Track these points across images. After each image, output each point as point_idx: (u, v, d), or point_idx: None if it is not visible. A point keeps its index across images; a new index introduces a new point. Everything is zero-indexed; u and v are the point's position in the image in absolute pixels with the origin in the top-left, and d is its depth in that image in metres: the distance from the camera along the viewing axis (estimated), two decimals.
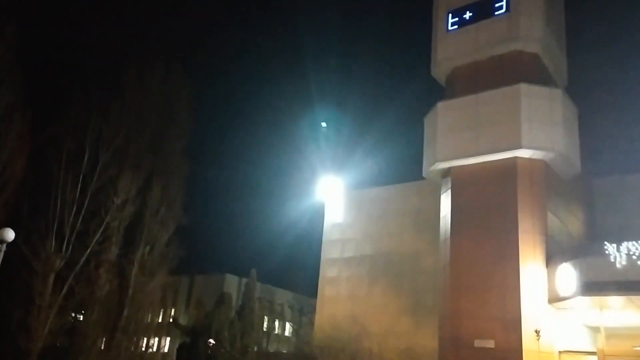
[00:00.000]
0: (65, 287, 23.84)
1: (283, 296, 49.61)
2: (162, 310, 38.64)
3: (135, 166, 26.98)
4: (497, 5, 22.37)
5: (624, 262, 16.31)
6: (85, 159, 24.95)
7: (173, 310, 45.12)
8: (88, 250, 24.48)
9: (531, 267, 19.08)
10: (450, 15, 23.38)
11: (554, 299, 18.36)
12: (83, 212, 24.52)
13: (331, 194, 28.48)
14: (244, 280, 43.25)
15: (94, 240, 24.72)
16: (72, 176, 24.51)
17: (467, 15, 23.03)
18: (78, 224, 24.40)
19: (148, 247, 27.30)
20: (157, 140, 29.25)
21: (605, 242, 17.11)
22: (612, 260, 16.52)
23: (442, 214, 22.27)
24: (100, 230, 25.00)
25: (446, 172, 22.18)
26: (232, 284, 45.55)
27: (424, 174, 23.17)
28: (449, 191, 21.74)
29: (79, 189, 24.64)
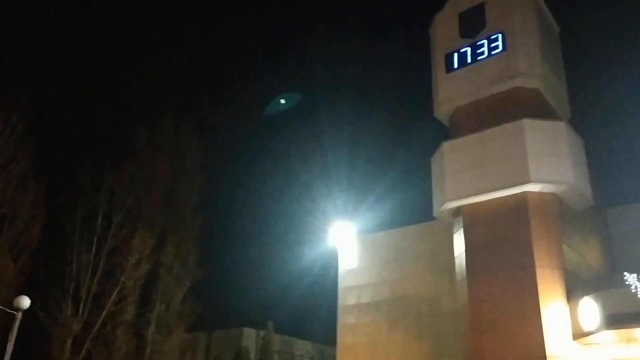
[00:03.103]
0: (83, 351, 23.74)
1: (302, 347, 48.75)
2: None
3: (148, 224, 27.29)
4: (493, 45, 22.85)
5: None
6: (99, 220, 25.34)
7: None
8: (104, 312, 24.53)
9: (552, 302, 18.71)
10: (447, 57, 23.88)
11: (579, 334, 17.91)
12: (98, 273, 24.71)
13: (344, 239, 28.38)
14: (262, 332, 42.72)
15: (110, 301, 24.76)
16: (87, 238, 24.83)
17: (465, 56, 23.52)
18: (94, 286, 24.54)
19: (164, 305, 27.28)
20: (169, 197, 29.68)
21: (625, 273, 16.81)
22: (634, 290, 16.18)
23: (456, 254, 22.09)
24: (116, 291, 25.11)
25: (457, 212, 22.14)
26: (250, 337, 44.87)
27: (434, 215, 23.13)
28: (461, 230, 21.64)
29: (93, 251, 24.90)
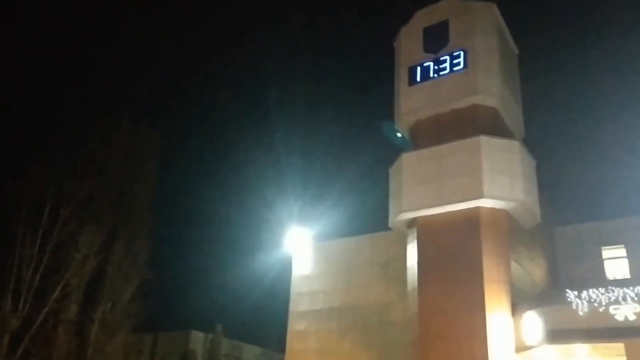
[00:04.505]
0: (21, 349, 22.75)
1: (251, 352, 48.23)
2: None
3: (98, 220, 26.48)
4: (455, 61, 23.39)
5: (586, 310, 16.58)
6: (46, 213, 24.40)
7: None
8: (46, 309, 23.57)
9: (498, 316, 19.19)
10: (411, 70, 24.29)
11: (521, 348, 18.42)
12: (42, 268, 23.77)
13: (298, 246, 28.34)
14: (210, 336, 42.01)
15: (52, 298, 23.85)
16: (31, 232, 23.87)
17: (428, 71, 23.96)
18: (36, 281, 23.58)
19: (110, 304, 26.44)
20: (122, 193, 28.91)
21: (567, 290, 17.43)
22: (575, 307, 16.78)
23: (408, 264, 22.39)
24: (60, 288, 24.18)
25: (412, 223, 22.46)
26: (197, 340, 44.02)
27: (390, 225, 23.39)
28: (415, 241, 21.96)
29: (37, 245, 23.95)
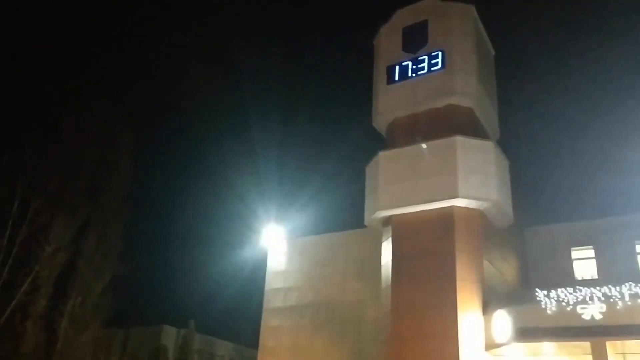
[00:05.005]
0: None
1: (224, 348, 47.97)
2: None
3: (70, 212, 25.99)
4: (433, 62, 23.58)
5: (554, 309, 16.93)
6: (16, 204, 23.86)
7: None
8: (14, 302, 23.06)
9: (469, 314, 19.45)
10: (389, 69, 24.40)
11: (491, 345, 18.71)
12: (10, 260, 23.24)
13: (274, 242, 28.27)
14: (183, 331, 41.66)
15: (21, 291, 23.36)
16: (1, 223, 23.33)
17: (406, 70, 24.11)
18: (4, 274, 23.06)
19: (80, 298, 26.00)
20: (95, 186, 28.43)
21: (537, 289, 17.77)
22: (543, 306, 17.11)
23: (383, 262, 22.52)
24: (29, 280, 23.69)
25: (387, 221, 22.59)
26: (170, 336, 43.60)
27: (365, 222, 23.49)
28: (390, 239, 22.09)
29: (7, 237, 23.42)
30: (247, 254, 29.86)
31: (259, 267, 29.06)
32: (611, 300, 16.42)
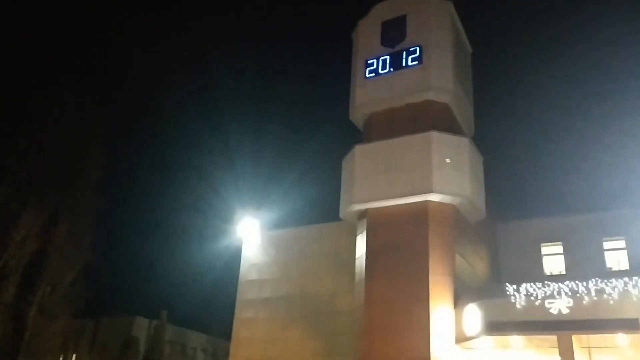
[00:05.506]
0: None
1: (196, 340, 47.74)
2: (62, 356, 35.88)
3: (40, 200, 25.47)
4: (411, 57, 23.70)
5: (523, 303, 17.28)
6: None
7: (74, 356, 41.98)
8: None
9: (441, 307, 19.73)
10: (367, 63, 24.44)
11: (461, 338, 19.03)
12: None
13: (249, 234, 28.18)
14: (155, 322, 41.28)
15: None
16: None
17: (384, 64, 24.18)
18: None
19: (50, 287, 25.56)
20: (67, 175, 27.89)
21: (507, 284, 18.11)
22: (513, 301, 17.46)
23: (357, 255, 22.66)
24: None
25: (362, 214, 22.71)
26: (141, 327, 43.15)
27: (340, 215, 23.58)
28: (365, 233, 22.23)
29: None
30: (222, 246, 29.73)
31: (234, 259, 28.98)
32: (578, 295, 16.81)
